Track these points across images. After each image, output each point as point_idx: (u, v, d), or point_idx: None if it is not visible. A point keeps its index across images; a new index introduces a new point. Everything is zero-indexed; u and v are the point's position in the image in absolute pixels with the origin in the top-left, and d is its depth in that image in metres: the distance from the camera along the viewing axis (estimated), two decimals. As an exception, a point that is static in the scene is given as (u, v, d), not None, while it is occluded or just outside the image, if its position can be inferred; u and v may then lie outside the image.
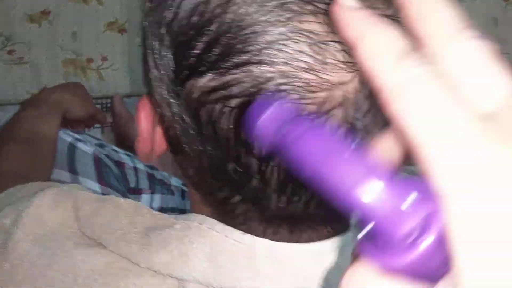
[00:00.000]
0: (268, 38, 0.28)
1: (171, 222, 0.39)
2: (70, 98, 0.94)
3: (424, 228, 0.18)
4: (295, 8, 0.28)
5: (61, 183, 0.80)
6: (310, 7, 0.28)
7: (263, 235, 0.36)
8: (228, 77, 0.29)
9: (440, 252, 0.17)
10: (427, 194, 0.18)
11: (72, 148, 0.85)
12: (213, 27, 0.29)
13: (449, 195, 0.17)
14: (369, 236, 0.19)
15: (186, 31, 0.30)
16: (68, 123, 0.97)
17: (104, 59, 1.30)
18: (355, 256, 0.20)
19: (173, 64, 0.31)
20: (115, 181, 0.88)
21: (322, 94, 0.29)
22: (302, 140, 0.20)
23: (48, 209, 0.43)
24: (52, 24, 1.30)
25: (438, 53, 0.19)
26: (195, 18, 0.29)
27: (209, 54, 0.29)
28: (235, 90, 0.29)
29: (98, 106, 1.27)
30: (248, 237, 0.35)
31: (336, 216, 0.36)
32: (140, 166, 0.95)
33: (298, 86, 0.28)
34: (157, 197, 0.95)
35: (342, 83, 0.29)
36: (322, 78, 0.28)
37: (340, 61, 0.28)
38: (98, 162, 0.86)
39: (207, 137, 0.32)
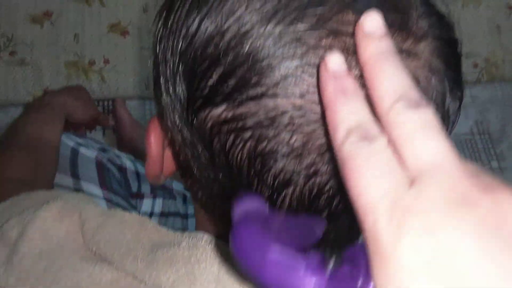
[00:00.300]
0: (284, 71, 0.28)
1: (177, 239, 0.39)
2: (73, 102, 0.94)
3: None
4: (312, 42, 0.27)
5: (63, 187, 0.80)
6: (326, 42, 0.27)
7: None
8: (242, 109, 0.29)
9: None
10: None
11: (74, 152, 0.85)
12: (229, 59, 0.29)
13: (372, 254, 0.20)
14: None
15: (201, 61, 0.30)
16: (71, 126, 0.98)
17: (107, 61, 1.30)
18: None
19: (186, 93, 0.31)
20: (118, 185, 0.88)
21: None
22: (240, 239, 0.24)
23: (54, 222, 0.43)
24: (55, 25, 1.30)
25: (382, 121, 0.22)
26: (210, 49, 0.29)
27: (224, 85, 0.29)
28: (249, 122, 0.29)
29: (99, 108, 1.27)
30: None
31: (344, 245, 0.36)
32: (142, 170, 0.95)
33: (312, 119, 0.28)
34: (159, 202, 0.95)
35: None
36: None
37: None
38: (100, 166, 0.86)
39: (219, 165, 0.32)
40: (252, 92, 0.28)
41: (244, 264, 0.23)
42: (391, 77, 0.23)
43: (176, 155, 0.36)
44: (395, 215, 0.19)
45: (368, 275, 0.21)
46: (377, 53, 0.24)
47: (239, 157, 0.30)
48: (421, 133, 0.21)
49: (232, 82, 0.29)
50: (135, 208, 0.90)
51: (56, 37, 1.29)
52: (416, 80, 0.29)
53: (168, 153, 0.37)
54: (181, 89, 0.31)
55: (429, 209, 0.19)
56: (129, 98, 1.26)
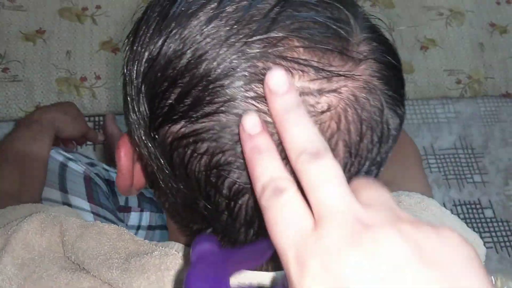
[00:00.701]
0: (234, 91, 0.30)
1: (151, 249, 0.41)
2: (62, 117, 0.95)
3: None
4: (259, 65, 0.30)
5: (51, 201, 0.82)
6: (271, 65, 0.30)
7: None
8: (198, 125, 0.31)
9: None
10: None
11: (63, 167, 0.86)
12: (185, 80, 0.31)
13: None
14: None
15: (161, 82, 0.32)
16: (61, 141, 0.99)
17: (98, 77, 1.32)
18: None
19: (148, 111, 0.34)
20: (105, 199, 0.89)
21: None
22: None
23: (36, 234, 0.44)
24: (47, 43, 1.32)
25: (294, 171, 0.26)
26: (169, 71, 0.32)
27: (181, 104, 0.31)
28: (204, 136, 0.31)
29: (90, 123, 1.28)
30: None
31: None
32: (130, 185, 0.96)
33: None
34: (146, 215, 0.96)
35: None
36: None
37: None
38: (88, 181, 0.88)
39: (179, 177, 0.34)
40: (206, 109, 0.31)
41: None
42: (294, 131, 0.26)
43: (144, 168, 0.38)
44: (300, 259, 0.23)
45: None
46: (281, 109, 0.27)
47: (196, 170, 0.32)
48: (321, 182, 0.25)
49: (188, 101, 0.31)
50: (122, 221, 0.91)
51: (48, 54, 1.30)
52: (355, 98, 0.32)
53: (138, 166, 0.39)
54: (144, 107, 0.34)
55: (325, 250, 0.23)
56: (120, 113, 1.28)
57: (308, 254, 0.23)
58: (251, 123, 0.28)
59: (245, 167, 0.31)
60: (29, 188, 0.76)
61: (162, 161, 0.34)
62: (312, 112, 0.31)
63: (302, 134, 0.26)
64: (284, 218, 0.25)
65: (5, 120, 1.23)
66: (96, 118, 1.30)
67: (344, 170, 0.33)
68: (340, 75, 0.31)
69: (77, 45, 1.33)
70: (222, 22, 0.31)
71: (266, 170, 0.27)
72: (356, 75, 0.32)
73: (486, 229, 1.29)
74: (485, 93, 1.41)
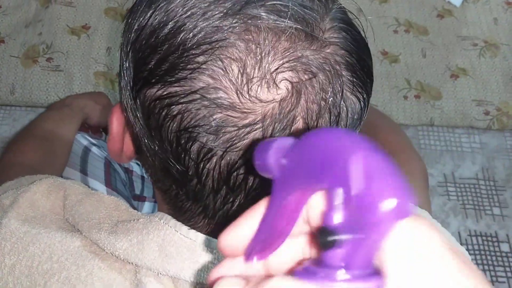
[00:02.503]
0: (204, 59, 0.34)
1: (138, 217, 0.44)
2: (92, 105, 1.01)
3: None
4: (231, 39, 0.34)
5: (71, 181, 0.87)
6: (242, 44, 0.34)
7: (206, 232, 0.41)
8: (171, 89, 0.35)
9: None
10: None
11: (86, 151, 0.91)
12: (164, 48, 0.35)
13: None
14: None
15: (144, 49, 0.36)
16: (89, 128, 1.05)
17: (133, 74, 1.38)
18: None
19: (132, 75, 0.38)
20: (122, 186, 0.93)
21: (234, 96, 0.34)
22: None
23: (42, 196, 0.49)
24: (90, 38, 1.39)
25: None
26: (152, 40, 0.36)
27: (158, 69, 0.35)
28: (176, 99, 0.35)
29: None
30: (193, 233, 0.40)
31: None
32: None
33: (225, 103, 0.34)
34: (159, 207, 1.00)
35: (262, 103, 0.34)
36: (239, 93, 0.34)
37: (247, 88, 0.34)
38: (108, 166, 0.91)
39: (155, 138, 0.37)
40: (180, 74, 0.34)
41: None
42: None
43: (131, 134, 0.42)
44: None
45: None
46: None
47: (169, 131, 0.36)
48: None
49: (165, 66, 0.35)
50: (136, 209, 0.95)
51: (90, 49, 1.37)
52: (315, 78, 0.34)
53: (128, 134, 0.43)
54: (130, 71, 0.38)
55: None
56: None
57: None
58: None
59: (212, 132, 0.34)
60: (50, 165, 0.81)
61: (142, 123, 0.38)
62: (273, 87, 0.34)
63: None
64: None
65: (43, 107, 1.30)
66: (127, 113, 1.36)
67: None
68: (302, 55, 0.34)
69: (117, 42, 1.39)
70: None
71: None
72: (317, 57, 0.35)
73: (501, 263, 1.27)
74: (513, 127, 1.40)
